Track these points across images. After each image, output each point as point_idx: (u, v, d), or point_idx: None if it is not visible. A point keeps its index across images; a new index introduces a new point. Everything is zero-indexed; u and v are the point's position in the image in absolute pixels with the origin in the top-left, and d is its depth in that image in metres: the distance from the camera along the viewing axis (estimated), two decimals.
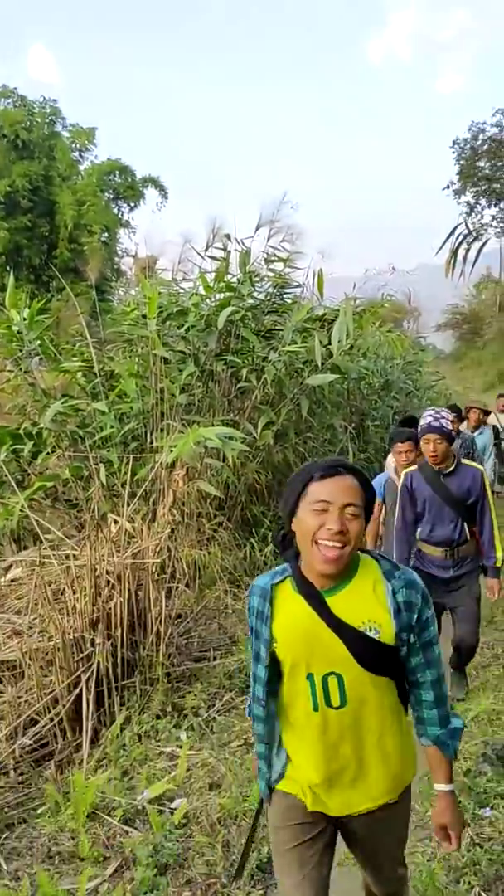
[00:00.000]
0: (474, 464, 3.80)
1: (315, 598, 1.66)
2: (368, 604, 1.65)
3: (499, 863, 2.55)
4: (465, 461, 3.74)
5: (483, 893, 2.43)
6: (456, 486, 3.66)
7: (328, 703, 1.67)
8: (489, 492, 3.68)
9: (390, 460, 5.11)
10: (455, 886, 2.47)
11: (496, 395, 10.18)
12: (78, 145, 25.30)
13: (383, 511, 4.81)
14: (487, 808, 2.87)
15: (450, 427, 3.61)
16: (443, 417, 3.62)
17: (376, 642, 1.63)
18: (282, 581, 1.74)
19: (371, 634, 1.63)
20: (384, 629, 1.63)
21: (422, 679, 1.72)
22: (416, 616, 1.66)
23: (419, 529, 3.82)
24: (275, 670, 1.73)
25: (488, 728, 3.54)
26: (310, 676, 1.67)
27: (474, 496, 3.66)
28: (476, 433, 7.79)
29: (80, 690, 3.71)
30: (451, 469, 3.67)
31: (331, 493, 1.62)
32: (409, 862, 2.66)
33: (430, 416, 3.65)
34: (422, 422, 3.69)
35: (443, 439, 3.58)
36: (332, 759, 1.70)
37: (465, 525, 3.71)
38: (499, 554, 3.70)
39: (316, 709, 1.68)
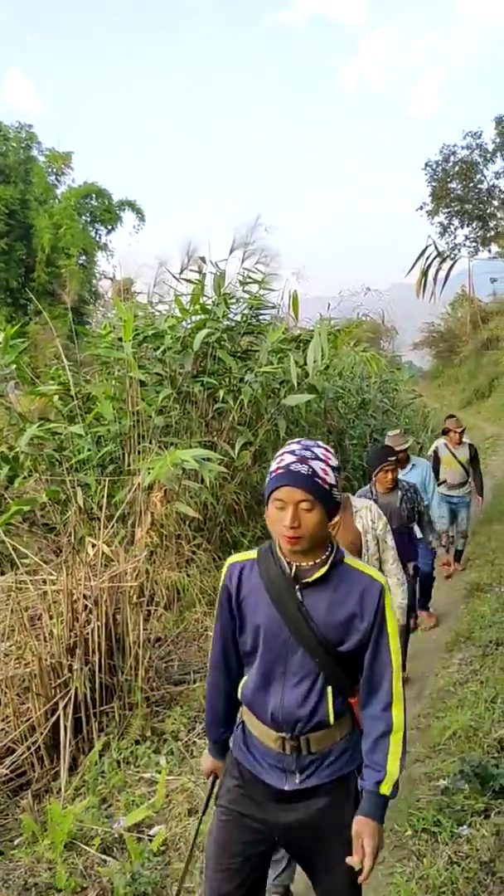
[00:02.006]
0: (369, 569, 1.76)
1: None
2: None
3: (476, 881, 2.55)
4: (350, 561, 1.76)
5: None
6: (324, 612, 1.71)
7: None
8: (391, 628, 1.72)
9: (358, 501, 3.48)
10: None
11: (466, 414, 10.03)
12: (54, 169, 25.47)
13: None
14: (465, 826, 2.88)
15: (332, 479, 1.68)
16: (314, 457, 1.68)
17: None
18: None
19: None
20: None
21: None
22: None
23: (243, 680, 1.88)
24: None
25: (465, 745, 3.56)
26: None
27: (359, 635, 1.71)
28: (406, 470, 5.45)
29: (58, 717, 3.68)
30: (320, 573, 1.71)
31: None
32: (388, 883, 2.67)
33: (292, 452, 1.69)
34: (273, 464, 1.71)
35: (314, 502, 1.64)
36: None
37: (332, 691, 1.74)
38: (391, 767, 1.69)
39: None
